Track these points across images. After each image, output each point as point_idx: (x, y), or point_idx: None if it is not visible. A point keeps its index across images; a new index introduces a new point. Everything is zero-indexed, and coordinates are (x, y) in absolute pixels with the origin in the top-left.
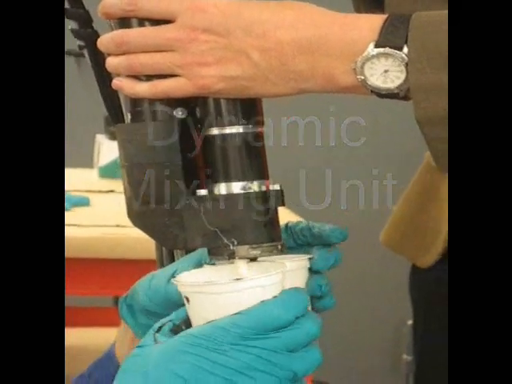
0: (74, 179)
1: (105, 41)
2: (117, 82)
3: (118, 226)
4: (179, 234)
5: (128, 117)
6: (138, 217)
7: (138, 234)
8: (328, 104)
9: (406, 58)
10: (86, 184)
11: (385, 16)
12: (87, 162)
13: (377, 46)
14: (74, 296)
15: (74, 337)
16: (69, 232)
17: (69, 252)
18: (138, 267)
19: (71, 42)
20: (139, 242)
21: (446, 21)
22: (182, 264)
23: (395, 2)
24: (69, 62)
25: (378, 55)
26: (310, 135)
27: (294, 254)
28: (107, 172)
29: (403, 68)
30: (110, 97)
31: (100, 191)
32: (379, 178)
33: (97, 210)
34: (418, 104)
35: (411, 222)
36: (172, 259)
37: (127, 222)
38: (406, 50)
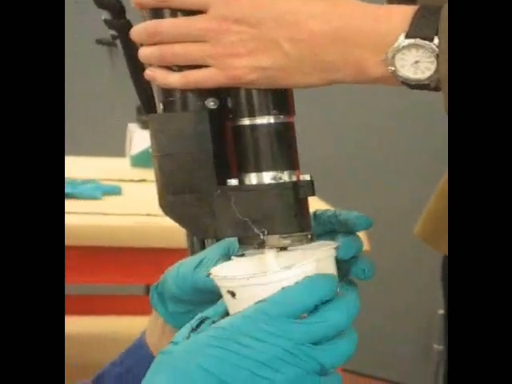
0: (106, 168)
1: (138, 31)
2: (149, 72)
3: (148, 215)
4: (210, 223)
5: (160, 107)
6: (169, 206)
7: (168, 223)
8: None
9: (436, 49)
10: (118, 173)
11: (416, 7)
12: (119, 150)
13: (407, 36)
14: (105, 284)
15: (106, 325)
16: (100, 220)
17: (100, 240)
18: (168, 256)
19: (103, 31)
20: (170, 231)
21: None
22: (209, 252)
23: None
24: (101, 51)
25: (408, 46)
26: (341, 125)
27: (321, 241)
28: (139, 161)
29: (434, 59)
30: (143, 87)
31: (132, 180)
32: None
33: (128, 199)
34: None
35: (444, 215)
36: (203, 248)
37: (158, 211)
38: (436, 41)
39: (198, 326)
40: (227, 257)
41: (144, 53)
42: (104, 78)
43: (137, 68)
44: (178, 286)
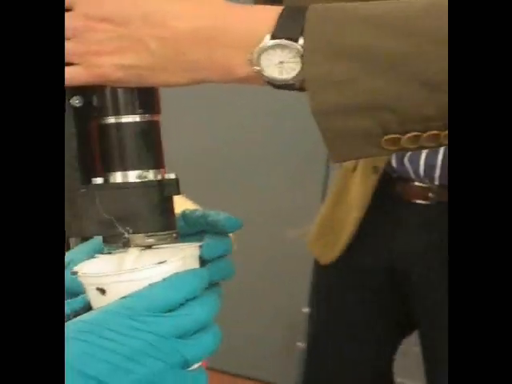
0: None
1: None
2: None
3: None
4: (73, 222)
5: None
6: None
7: None
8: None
9: (301, 49)
10: None
11: (281, 8)
12: None
13: (273, 37)
14: None
15: None
16: None
17: None
18: None
19: None
20: None
21: (341, 13)
22: (75, 254)
23: None
24: None
25: (273, 46)
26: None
27: (189, 241)
28: None
29: (298, 59)
30: None
31: None
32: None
33: None
34: (313, 95)
35: (324, 221)
36: (67, 248)
37: None
38: (301, 41)
39: None
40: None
41: None
42: None
43: None
44: None
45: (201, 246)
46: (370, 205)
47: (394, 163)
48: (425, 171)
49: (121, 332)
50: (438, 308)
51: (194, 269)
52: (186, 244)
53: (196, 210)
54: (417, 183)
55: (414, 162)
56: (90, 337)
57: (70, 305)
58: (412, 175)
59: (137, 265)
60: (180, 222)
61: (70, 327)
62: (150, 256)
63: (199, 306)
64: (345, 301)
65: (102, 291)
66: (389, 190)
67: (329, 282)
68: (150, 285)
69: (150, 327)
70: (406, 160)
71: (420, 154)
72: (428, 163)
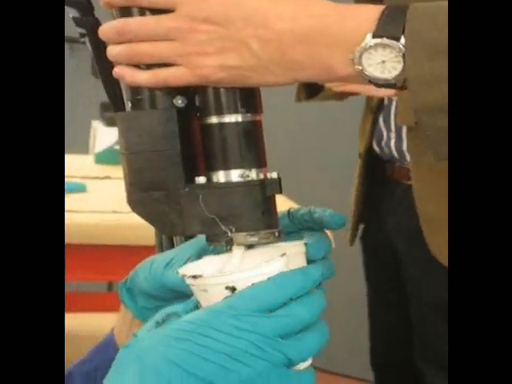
0: (70, 165)
1: (106, 30)
2: (117, 71)
3: (114, 212)
4: (177, 220)
5: (128, 105)
6: (137, 203)
7: (134, 220)
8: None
9: (402, 48)
10: (82, 170)
11: (382, 7)
12: (83, 148)
13: (374, 36)
14: (71, 282)
15: (72, 323)
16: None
17: (66, 238)
18: (134, 253)
19: (67, 29)
20: (136, 228)
21: (443, 12)
22: (180, 251)
23: None
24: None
25: (375, 46)
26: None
27: (290, 239)
28: (103, 158)
29: (400, 59)
30: (111, 85)
31: (96, 177)
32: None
33: (93, 196)
34: (415, 94)
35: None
36: (171, 245)
37: (124, 207)
38: (403, 40)
39: (163, 320)
40: (197, 256)
41: (112, 51)
42: (65, 75)
43: (105, 66)
44: (148, 282)
45: (306, 244)
46: (365, 186)
47: (376, 148)
48: (399, 155)
49: (225, 332)
50: (419, 284)
51: (300, 268)
52: (292, 243)
53: (302, 208)
54: (399, 164)
55: (388, 147)
56: (195, 336)
57: (185, 305)
58: (393, 158)
59: (242, 264)
60: (285, 219)
61: (174, 326)
62: (255, 255)
63: (304, 305)
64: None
65: (206, 291)
66: (382, 172)
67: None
68: (253, 284)
69: (253, 327)
70: (383, 144)
71: (390, 139)
72: (397, 148)
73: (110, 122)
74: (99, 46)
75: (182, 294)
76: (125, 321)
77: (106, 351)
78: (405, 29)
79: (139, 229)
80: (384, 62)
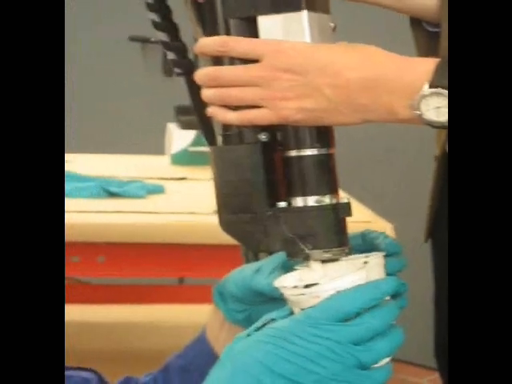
0: (147, 166)
1: (201, 75)
2: (211, 110)
3: (192, 213)
4: (262, 239)
5: (220, 139)
6: (227, 224)
7: (210, 221)
8: None
9: None
10: (159, 171)
11: (437, 60)
12: (157, 149)
13: (431, 86)
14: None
15: (148, 313)
16: (147, 219)
17: (148, 238)
18: (210, 251)
19: (136, 28)
20: (213, 229)
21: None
22: (266, 262)
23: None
24: (134, 47)
25: (431, 94)
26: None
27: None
28: (179, 159)
29: None
30: (205, 121)
31: (173, 178)
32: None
33: (171, 198)
34: None
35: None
36: (257, 258)
37: (201, 209)
38: None
39: (263, 325)
40: (281, 266)
41: (206, 94)
42: (138, 76)
43: (199, 103)
44: (238, 287)
45: (384, 256)
46: (440, 189)
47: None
48: None
49: (304, 338)
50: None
51: (372, 281)
52: (371, 254)
53: (373, 232)
54: None
55: None
56: (279, 341)
57: (279, 312)
58: None
59: (323, 277)
60: (358, 239)
61: (265, 331)
62: (334, 268)
63: (374, 315)
64: None
65: (317, 297)
66: None
67: None
68: (330, 296)
69: (328, 334)
70: None
71: None
72: None
73: (185, 125)
74: (194, 85)
75: (267, 297)
76: (216, 320)
77: (198, 346)
78: None
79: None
80: (439, 107)
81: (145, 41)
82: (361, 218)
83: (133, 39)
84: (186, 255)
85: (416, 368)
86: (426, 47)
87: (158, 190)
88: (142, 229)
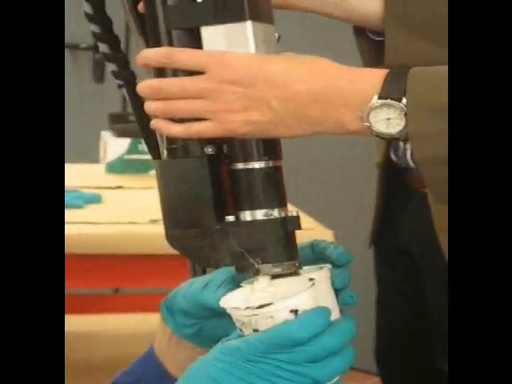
0: (82, 175)
1: (143, 87)
2: (154, 123)
3: (131, 223)
4: (211, 254)
5: (164, 153)
6: (175, 239)
7: (151, 230)
8: None
9: (404, 108)
10: (95, 180)
11: (386, 71)
12: (93, 158)
13: (380, 97)
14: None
15: (88, 322)
16: (84, 229)
17: (85, 249)
18: (146, 261)
19: (67, 35)
20: (152, 238)
21: (439, 76)
22: (215, 276)
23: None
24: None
25: (381, 105)
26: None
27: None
28: (115, 167)
29: (403, 116)
30: (149, 134)
31: (109, 187)
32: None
33: (109, 207)
34: (417, 148)
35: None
36: (204, 271)
37: (139, 218)
38: (404, 101)
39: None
40: (230, 280)
41: (150, 106)
42: (68, 83)
43: (142, 116)
44: (187, 301)
45: (330, 269)
46: (384, 195)
47: (393, 157)
48: (415, 164)
49: (258, 359)
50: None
51: (321, 307)
52: (320, 267)
53: (323, 242)
54: (416, 173)
55: (404, 156)
56: (234, 360)
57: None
58: (409, 167)
59: (274, 295)
60: (308, 249)
61: (218, 349)
62: (284, 284)
63: (328, 336)
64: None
65: (240, 321)
66: (401, 180)
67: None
68: (284, 322)
69: (282, 357)
70: (400, 154)
71: (406, 150)
72: (413, 158)
73: (119, 133)
74: (136, 98)
75: (217, 312)
76: (164, 335)
77: (146, 363)
78: (406, 91)
79: (156, 239)
80: (389, 119)
81: (74, 47)
82: (303, 226)
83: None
84: (124, 265)
85: (357, 373)
86: (372, 56)
87: (95, 200)
88: (81, 239)
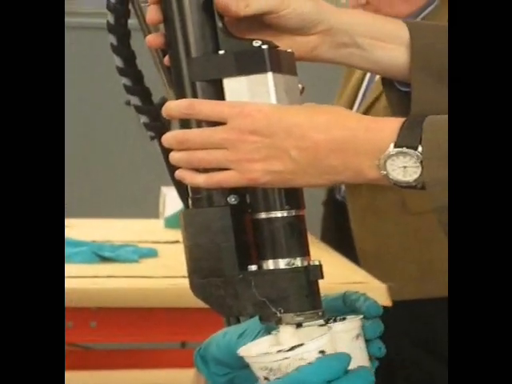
0: (141, 230)
1: (168, 138)
2: (179, 174)
3: (185, 276)
4: (233, 303)
5: (190, 202)
6: (198, 288)
7: None
8: None
9: (420, 156)
10: (153, 235)
11: (402, 119)
12: (153, 213)
13: (396, 146)
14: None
15: (148, 377)
16: (140, 283)
17: (140, 302)
18: (204, 315)
19: None
20: None
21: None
22: (251, 324)
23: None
24: (130, 111)
25: (397, 154)
26: None
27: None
28: (173, 222)
29: (419, 164)
30: (178, 184)
31: (167, 242)
32: None
33: (164, 261)
34: (433, 195)
35: None
36: (238, 320)
37: None
38: (420, 149)
39: None
40: (265, 329)
41: (174, 157)
42: (132, 139)
43: (172, 167)
44: (221, 350)
45: (361, 319)
46: (329, 229)
47: (337, 196)
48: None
49: None
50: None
51: (339, 353)
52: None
53: (354, 293)
54: None
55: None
56: None
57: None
58: None
59: (301, 339)
60: (339, 301)
61: None
62: (303, 335)
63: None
64: None
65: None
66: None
67: None
68: (298, 368)
69: None
70: (342, 193)
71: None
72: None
73: None
74: (166, 148)
75: None
76: (198, 382)
77: None
78: (421, 139)
79: None
80: (405, 167)
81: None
82: (356, 279)
83: (128, 103)
84: (185, 319)
85: None
86: (400, 107)
87: (151, 254)
88: (134, 293)
